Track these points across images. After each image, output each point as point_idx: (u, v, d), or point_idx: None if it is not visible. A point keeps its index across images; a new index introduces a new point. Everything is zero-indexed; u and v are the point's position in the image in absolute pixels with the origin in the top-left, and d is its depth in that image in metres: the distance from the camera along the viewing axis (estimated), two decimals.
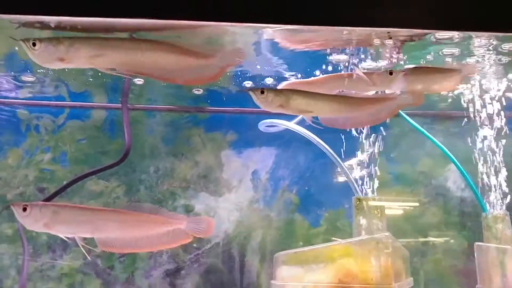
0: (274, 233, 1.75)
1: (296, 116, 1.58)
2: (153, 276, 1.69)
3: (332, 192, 1.79)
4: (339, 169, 1.58)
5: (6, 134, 1.74)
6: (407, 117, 1.60)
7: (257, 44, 1.27)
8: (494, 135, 1.58)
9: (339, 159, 1.48)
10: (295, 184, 1.79)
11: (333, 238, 1.72)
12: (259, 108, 1.68)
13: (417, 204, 1.78)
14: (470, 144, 1.61)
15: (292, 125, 1.54)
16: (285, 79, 1.48)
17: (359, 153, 1.58)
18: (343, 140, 1.57)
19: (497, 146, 1.57)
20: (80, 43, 1.11)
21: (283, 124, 1.56)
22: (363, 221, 1.33)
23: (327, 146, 1.49)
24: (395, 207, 1.68)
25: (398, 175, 1.77)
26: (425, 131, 1.64)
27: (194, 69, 1.19)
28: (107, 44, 1.14)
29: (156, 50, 1.16)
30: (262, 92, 1.21)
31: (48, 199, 1.61)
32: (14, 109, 1.74)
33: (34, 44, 1.07)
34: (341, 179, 1.76)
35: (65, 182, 1.65)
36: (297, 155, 1.80)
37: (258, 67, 1.45)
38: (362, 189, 1.47)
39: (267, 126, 1.58)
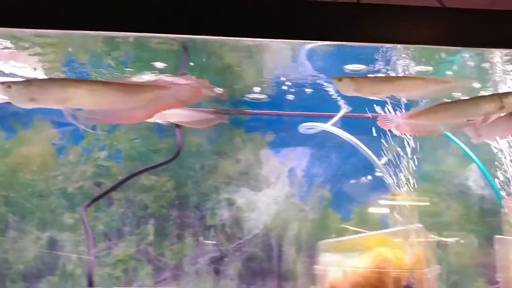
0: (309, 226, 1.91)
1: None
2: (199, 262, 1.86)
3: (361, 189, 1.95)
4: (373, 168, 1.73)
5: (66, 133, 1.92)
6: None
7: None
8: None
9: (375, 158, 1.64)
10: (328, 181, 1.95)
11: (362, 230, 1.88)
12: (294, 111, 1.88)
13: (440, 200, 1.93)
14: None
15: (329, 127, 1.70)
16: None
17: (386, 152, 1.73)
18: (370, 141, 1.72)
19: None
20: (49, 84, 1.18)
21: (321, 126, 1.72)
22: (397, 215, 1.49)
23: (363, 146, 1.64)
24: (422, 203, 1.83)
25: (423, 174, 1.92)
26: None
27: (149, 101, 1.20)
28: (74, 85, 1.18)
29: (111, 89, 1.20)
30: (340, 80, 1.28)
31: (106, 193, 1.79)
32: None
33: (9, 86, 1.14)
34: (370, 177, 1.92)
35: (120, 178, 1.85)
36: (330, 154, 1.96)
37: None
38: (398, 186, 1.62)
39: (307, 128, 1.74)
